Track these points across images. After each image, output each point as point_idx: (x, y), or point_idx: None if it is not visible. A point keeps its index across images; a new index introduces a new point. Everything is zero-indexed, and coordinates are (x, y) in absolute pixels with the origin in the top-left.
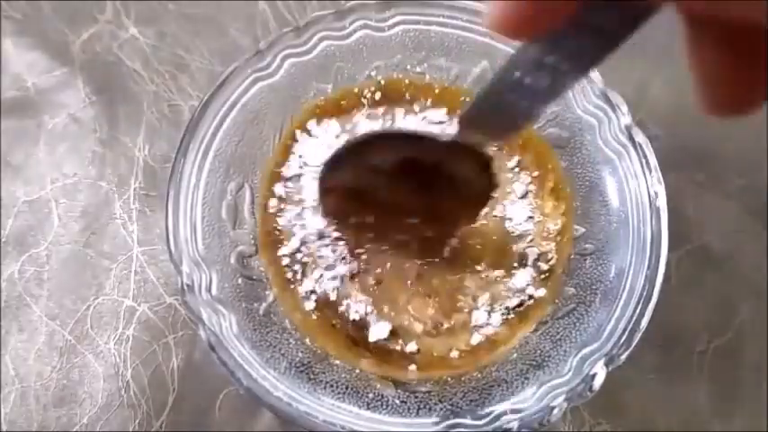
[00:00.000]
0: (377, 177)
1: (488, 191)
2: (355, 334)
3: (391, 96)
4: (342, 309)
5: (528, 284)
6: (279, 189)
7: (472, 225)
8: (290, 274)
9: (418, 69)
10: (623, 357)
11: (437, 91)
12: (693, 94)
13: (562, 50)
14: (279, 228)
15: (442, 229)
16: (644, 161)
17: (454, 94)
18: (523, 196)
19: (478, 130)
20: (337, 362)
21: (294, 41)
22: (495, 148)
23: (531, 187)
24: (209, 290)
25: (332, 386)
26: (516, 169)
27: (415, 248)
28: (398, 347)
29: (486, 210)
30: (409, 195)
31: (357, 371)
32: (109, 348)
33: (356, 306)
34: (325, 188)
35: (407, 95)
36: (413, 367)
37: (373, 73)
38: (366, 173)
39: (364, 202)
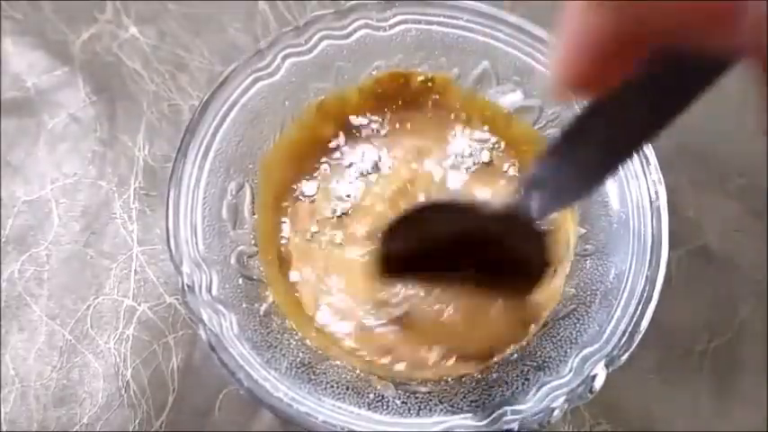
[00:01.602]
0: (433, 245)
1: (543, 266)
2: None
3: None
4: None
5: None
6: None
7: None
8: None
9: (419, 69)
10: (624, 358)
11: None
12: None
13: (635, 103)
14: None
15: (493, 295)
16: (644, 161)
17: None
18: None
19: (542, 194)
20: (337, 362)
21: (294, 41)
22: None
23: None
24: (209, 290)
25: (332, 386)
26: (515, 168)
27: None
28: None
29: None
30: (463, 263)
31: (357, 371)
32: (109, 348)
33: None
34: (384, 254)
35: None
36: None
37: (374, 72)
38: (422, 240)
39: (418, 266)
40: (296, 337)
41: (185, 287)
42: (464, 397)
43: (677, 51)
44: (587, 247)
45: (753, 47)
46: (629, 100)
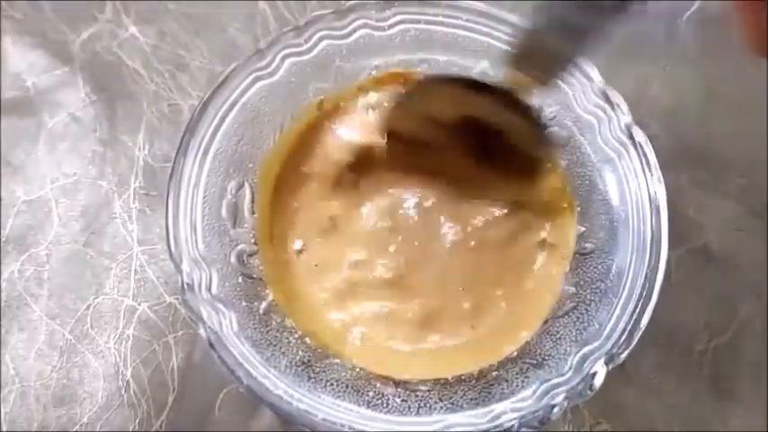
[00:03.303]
0: (436, 130)
1: (540, 161)
2: None
3: None
4: None
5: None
6: None
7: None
8: None
9: (418, 69)
10: (623, 356)
11: None
12: (740, 39)
13: None
14: None
15: (492, 194)
16: (644, 160)
17: None
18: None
19: (525, 71)
20: (337, 360)
21: (294, 41)
22: None
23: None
24: (209, 289)
25: (332, 384)
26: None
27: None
28: None
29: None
30: (464, 155)
31: (357, 369)
32: (109, 348)
33: None
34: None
35: None
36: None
37: (373, 72)
38: (426, 123)
39: (423, 152)
40: (295, 336)
41: (185, 286)
42: (464, 395)
43: None
44: (587, 245)
45: None
46: None
